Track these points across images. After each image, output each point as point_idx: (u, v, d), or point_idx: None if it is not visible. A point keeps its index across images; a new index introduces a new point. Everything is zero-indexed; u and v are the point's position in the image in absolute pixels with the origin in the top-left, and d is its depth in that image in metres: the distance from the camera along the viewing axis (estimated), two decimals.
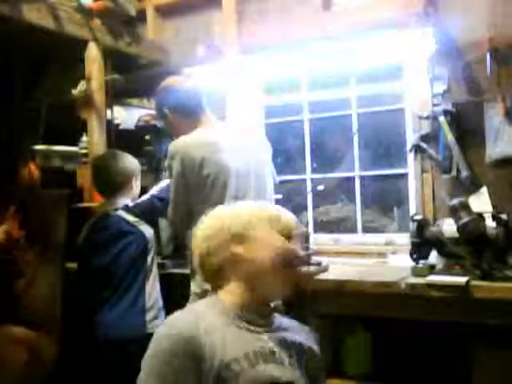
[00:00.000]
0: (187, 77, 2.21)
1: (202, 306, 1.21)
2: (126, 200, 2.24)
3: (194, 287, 1.94)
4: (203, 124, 2.07)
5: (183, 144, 1.96)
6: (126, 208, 2.20)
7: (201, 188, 1.91)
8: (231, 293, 1.23)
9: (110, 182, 2.26)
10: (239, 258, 1.22)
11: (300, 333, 1.30)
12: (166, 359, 1.05)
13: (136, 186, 2.32)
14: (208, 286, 1.87)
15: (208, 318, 1.13)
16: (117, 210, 2.20)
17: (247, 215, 1.27)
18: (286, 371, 1.15)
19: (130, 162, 2.31)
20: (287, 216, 1.30)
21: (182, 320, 1.13)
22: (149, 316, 2.11)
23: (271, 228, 1.25)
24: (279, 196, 2.16)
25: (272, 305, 1.30)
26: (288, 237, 1.25)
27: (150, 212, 2.24)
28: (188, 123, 2.06)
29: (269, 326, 1.23)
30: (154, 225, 2.33)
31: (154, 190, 2.30)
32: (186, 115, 2.09)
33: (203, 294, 1.89)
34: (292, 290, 1.28)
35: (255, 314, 1.21)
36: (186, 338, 1.06)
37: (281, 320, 1.31)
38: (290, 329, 1.29)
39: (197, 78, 2.23)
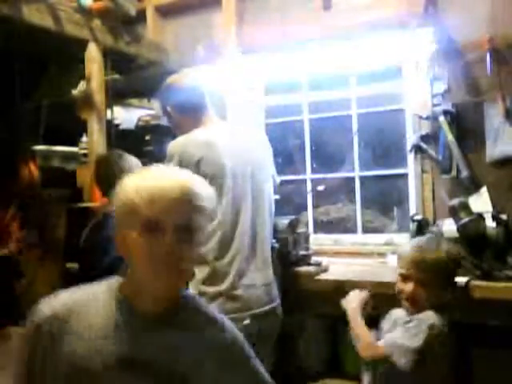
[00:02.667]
0: (191, 75, 2.20)
1: (100, 287, 1.10)
2: None
3: (192, 289, 1.94)
4: (205, 123, 2.07)
5: (181, 144, 1.96)
6: None
7: None
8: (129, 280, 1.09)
9: (112, 183, 2.26)
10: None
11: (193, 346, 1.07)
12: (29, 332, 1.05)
13: None
14: (205, 288, 1.89)
15: (92, 305, 1.06)
16: None
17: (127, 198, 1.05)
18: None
19: (132, 162, 2.31)
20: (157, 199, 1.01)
21: (61, 298, 1.08)
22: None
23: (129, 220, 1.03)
24: (277, 196, 2.16)
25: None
26: (154, 228, 1.00)
27: None
28: (190, 121, 2.06)
29: (154, 330, 1.05)
30: None
31: None
32: (189, 113, 2.09)
33: (200, 296, 1.89)
34: (170, 286, 1.04)
35: (140, 311, 1.05)
36: (50, 318, 1.03)
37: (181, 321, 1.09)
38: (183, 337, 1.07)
39: (200, 76, 2.22)
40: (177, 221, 1.01)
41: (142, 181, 1.05)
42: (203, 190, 1.08)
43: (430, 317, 1.61)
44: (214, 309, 1.23)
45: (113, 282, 1.10)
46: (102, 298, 1.07)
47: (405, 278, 1.67)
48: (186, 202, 1.02)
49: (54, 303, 1.07)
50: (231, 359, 1.11)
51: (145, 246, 1.00)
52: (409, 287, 1.65)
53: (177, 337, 1.06)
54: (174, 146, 1.98)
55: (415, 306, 1.65)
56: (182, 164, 1.91)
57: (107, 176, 2.28)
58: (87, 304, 1.06)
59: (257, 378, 1.16)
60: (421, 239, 1.84)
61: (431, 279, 1.63)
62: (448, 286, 1.71)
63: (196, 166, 1.89)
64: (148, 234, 1.00)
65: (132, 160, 2.31)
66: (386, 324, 1.77)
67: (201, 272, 1.90)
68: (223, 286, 1.87)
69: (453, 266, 1.74)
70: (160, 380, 1.02)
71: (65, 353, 1.01)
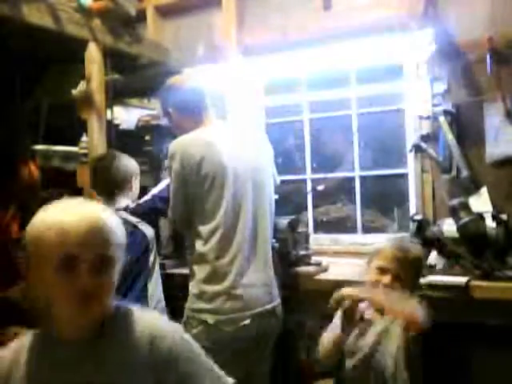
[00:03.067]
0: (191, 76, 2.21)
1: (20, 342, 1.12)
2: (126, 201, 2.24)
3: (192, 288, 1.94)
4: (205, 123, 2.07)
5: (183, 144, 1.96)
6: (127, 208, 2.20)
7: (199, 188, 1.91)
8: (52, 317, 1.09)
9: (108, 183, 2.26)
10: None
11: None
12: None
13: (135, 186, 2.32)
14: (205, 287, 1.90)
15: (24, 353, 1.08)
16: (118, 210, 2.20)
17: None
18: None
19: (128, 162, 2.31)
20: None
21: None
22: None
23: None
24: (276, 196, 2.16)
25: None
26: (68, 264, 1.01)
27: (151, 212, 2.24)
28: (191, 122, 2.07)
29: (86, 359, 1.05)
30: (155, 225, 2.33)
31: (155, 190, 2.30)
32: (189, 114, 2.09)
33: (201, 295, 1.89)
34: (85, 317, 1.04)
35: (69, 343, 1.07)
36: None
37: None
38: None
39: (200, 77, 2.23)
40: (90, 254, 1.02)
41: (52, 217, 1.04)
42: (113, 220, 1.09)
43: None
44: (152, 321, 1.16)
45: (31, 334, 1.12)
46: (28, 345, 1.09)
47: (383, 270, 1.79)
48: (97, 235, 1.03)
49: None
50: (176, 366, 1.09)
51: (61, 283, 1.01)
52: (386, 279, 1.77)
53: (111, 356, 1.06)
54: (175, 145, 1.98)
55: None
56: (183, 164, 1.91)
57: (105, 176, 2.28)
58: (18, 358, 1.08)
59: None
60: (399, 238, 2.03)
61: (408, 275, 1.79)
62: (418, 283, 1.89)
63: (197, 166, 1.90)
64: (63, 271, 1.01)
65: (126, 160, 2.31)
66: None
67: (201, 271, 1.91)
68: (224, 286, 1.88)
69: (422, 266, 1.95)
70: None
71: None
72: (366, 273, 1.88)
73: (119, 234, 1.09)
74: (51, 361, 1.06)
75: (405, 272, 1.78)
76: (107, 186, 2.27)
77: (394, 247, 1.84)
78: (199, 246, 1.92)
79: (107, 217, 1.08)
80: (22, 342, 1.11)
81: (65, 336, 1.07)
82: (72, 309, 1.02)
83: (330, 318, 2.18)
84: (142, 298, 2.12)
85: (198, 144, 1.94)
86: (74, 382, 1.04)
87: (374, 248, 1.93)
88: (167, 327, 1.13)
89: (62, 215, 1.03)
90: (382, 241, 2.78)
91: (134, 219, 2.18)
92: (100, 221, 1.05)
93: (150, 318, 1.15)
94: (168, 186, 2.17)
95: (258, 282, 1.93)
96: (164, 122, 2.69)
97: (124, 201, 2.24)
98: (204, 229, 1.91)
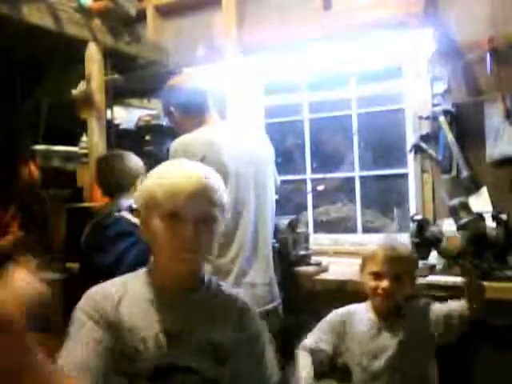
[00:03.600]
0: (193, 75, 2.21)
1: (131, 278, 1.23)
2: (129, 201, 2.24)
3: None
4: (207, 123, 2.07)
5: (184, 143, 1.96)
6: (130, 209, 2.20)
7: None
8: (154, 264, 1.22)
9: (116, 183, 2.26)
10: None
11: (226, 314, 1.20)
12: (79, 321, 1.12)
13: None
14: None
15: (130, 291, 1.17)
16: (120, 210, 2.20)
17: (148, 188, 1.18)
18: (184, 356, 1.12)
19: (135, 162, 2.30)
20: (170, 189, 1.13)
21: (101, 292, 1.17)
22: None
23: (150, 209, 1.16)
24: (276, 196, 2.16)
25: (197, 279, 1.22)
26: (175, 219, 1.12)
27: None
28: (193, 122, 2.07)
29: (187, 304, 1.18)
30: None
31: None
32: (192, 114, 2.09)
33: None
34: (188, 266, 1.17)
35: (169, 290, 1.18)
36: (97, 310, 1.12)
37: (211, 294, 1.23)
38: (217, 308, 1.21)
39: (202, 77, 2.23)
40: (195, 213, 1.13)
41: (162, 176, 1.16)
42: (217, 183, 1.19)
43: None
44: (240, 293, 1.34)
45: (140, 272, 1.23)
46: (135, 287, 1.19)
47: (379, 275, 1.74)
48: (202, 196, 1.14)
49: (104, 291, 1.18)
50: (255, 348, 1.23)
51: (167, 233, 1.13)
52: (384, 283, 1.72)
53: (208, 309, 1.19)
54: (176, 145, 1.98)
55: (390, 300, 1.75)
56: None
57: (108, 176, 2.28)
58: (125, 294, 1.17)
59: (264, 375, 1.24)
60: (386, 238, 1.97)
61: (405, 272, 1.75)
62: (416, 281, 1.85)
63: None
64: (169, 223, 1.12)
65: (133, 160, 2.30)
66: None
67: None
68: None
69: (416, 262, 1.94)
70: (203, 351, 1.13)
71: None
72: (361, 280, 1.83)
73: (221, 194, 1.19)
74: (148, 303, 1.16)
75: (401, 270, 1.75)
76: (113, 186, 2.27)
77: (384, 249, 1.78)
78: None
79: (212, 178, 1.18)
80: (128, 280, 1.21)
81: (168, 286, 1.18)
82: (173, 258, 1.14)
83: None
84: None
85: (199, 143, 1.93)
86: (172, 329, 1.13)
87: (364, 254, 1.86)
88: (254, 309, 1.28)
89: (173, 176, 1.15)
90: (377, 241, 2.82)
91: (135, 220, 2.17)
92: (205, 182, 1.15)
93: (239, 294, 1.30)
94: None
95: (259, 282, 1.93)
96: (165, 121, 2.69)
97: (127, 201, 2.23)
98: None
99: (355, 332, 1.79)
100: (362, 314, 1.82)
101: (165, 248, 1.14)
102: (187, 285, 1.20)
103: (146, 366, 1.09)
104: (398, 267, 1.74)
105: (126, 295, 1.16)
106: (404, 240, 1.99)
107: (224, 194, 1.21)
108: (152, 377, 1.08)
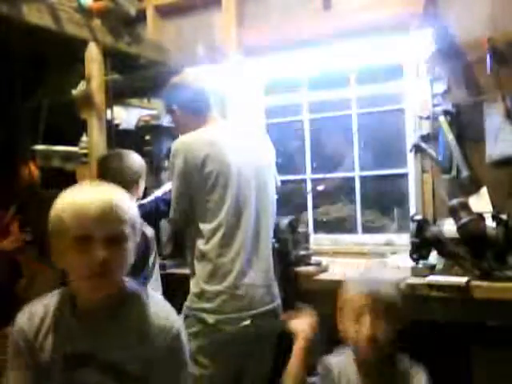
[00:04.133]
0: (195, 75, 2.20)
1: (53, 298, 1.26)
2: None
3: (193, 287, 1.94)
4: (209, 123, 2.06)
5: (186, 142, 1.95)
6: None
7: (202, 186, 1.90)
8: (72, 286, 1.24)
9: (117, 182, 2.25)
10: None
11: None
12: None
13: (142, 186, 2.31)
14: (206, 286, 1.89)
15: (50, 312, 1.22)
16: None
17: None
18: (90, 375, 1.16)
19: (137, 162, 2.30)
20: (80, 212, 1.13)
21: (26, 316, 1.24)
22: None
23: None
24: (276, 196, 2.16)
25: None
26: (84, 242, 1.13)
27: (153, 214, 2.23)
28: (195, 121, 2.06)
29: (101, 324, 1.19)
30: (156, 226, 2.32)
31: (159, 192, 2.29)
32: (194, 113, 2.08)
33: (201, 294, 1.89)
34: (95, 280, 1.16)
35: (87, 311, 1.20)
36: (20, 334, 1.21)
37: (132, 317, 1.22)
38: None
39: (204, 76, 2.22)
40: (103, 232, 1.13)
41: (69, 201, 1.17)
42: (127, 202, 1.21)
43: None
44: (165, 305, 1.30)
45: (62, 292, 1.26)
46: (55, 308, 1.23)
47: (358, 315, 1.46)
48: (110, 215, 1.14)
49: (29, 315, 1.24)
50: (171, 360, 1.22)
51: (78, 257, 1.13)
52: (365, 324, 1.43)
53: (122, 329, 1.19)
54: (179, 144, 1.97)
55: (375, 348, 1.45)
56: (186, 162, 1.90)
57: (110, 175, 2.28)
58: (46, 316, 1.22)
59: None
60: (365, 270, 1.79)
61: (388, 308, 1.46)
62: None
63: (201, 165, 1.89)
64: (80, 247, 1.13)
65: (136, 159, 2.30)
66: None
67: (202, 270, 1.90)
68: (225, 285, 1.87)
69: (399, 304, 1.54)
70: (108, 371, 1.16)
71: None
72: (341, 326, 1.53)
73: (131, 212, 1.20)
74: (68, 327, 1.19)
75: (384, 306, 1.46)
76: (114, 184, 2.26)
77: (362, 281, 1.52)
78: (200, 244, 1.91)
79: (118, 196, 1.19)
80: (52, 299, 1.24)
81: (85, 307, 1.20)
82: (88, 280, 1.14)
83: (329, 318, 2.18)
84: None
85: (201, 143, 1.93)
86: (81, 350, 1.17)
87: (343, 289, 1.55)
88: (178, 322, 1.26)
89: (79, 200, 1.15)
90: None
91: None
92: (111, 201, 1.16)
93: (165, 307, 1.28)
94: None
95: (259, 282, 1.93)
96: (165, 121, 2.69)
97: None
98: (206, 227, 1.91)
99: None
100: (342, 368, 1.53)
101: (78, 274, 1.16)
102: (104, 306, 1.20)
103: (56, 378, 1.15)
104: (381, 302, 1.46)
105: (47, 317, 1.21)
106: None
107: (136, 213, 1.22)
108: None
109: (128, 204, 1.19)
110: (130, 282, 1.28)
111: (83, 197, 1.15)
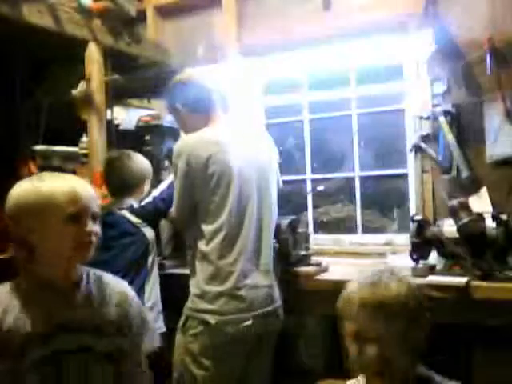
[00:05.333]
0: (200, 73, 2.18)
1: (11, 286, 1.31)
2: (132, 201, 2.24)
3: (193, 288, 1.93)
4: (213, 122, 2.04)
5: (189, 143, 1.94)
6: (131, 209, 2.20)
7: (205, 187, 1.90)
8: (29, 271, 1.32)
9: (123, 184, 2.26)
10: None
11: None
12: None
13: (146, 188, 2.31)
14: (207, 287, 1.89)
15: (14, 299, 1.27)
16: (121, 209, 2.20)
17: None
18: (69, 340, 1.26)
19: (144, 163, 2.30)
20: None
21: None
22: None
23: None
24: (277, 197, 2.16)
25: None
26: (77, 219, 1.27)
27: (154, 214, 2.23)
28: (199, 119, 2.04)
29: (67, 297, 1.31)
30: (156, 226, 2.32)
31: (156, 192, 2.29)
32: (198, 112, 2.06)
33: (202, 295, 1.89)
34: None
35: (51, 289, 1.29)
36: None
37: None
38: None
39: (209, 75, 2.19)
40: (90, 209, 1.30)
41: (51, 186, 1.28)
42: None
43: None
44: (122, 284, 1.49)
45: (15, 282, 1.32)
46: (13, 294, 1.28)
47: (359, 337, 1.14)
48: (92, 195, 1.33)
49: None
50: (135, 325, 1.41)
51: (70, 233, 1.26)
52: (371, 350, 1.12)
53: (89, 298, 1.34)
54: (181, 145, 1.96)
55: (385, 380, 1.13)
56: (189, 163, 1.89)
57: (116, 175, 2.28)
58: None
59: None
60: (368, 274, 1.32)
61: (399, 324, 1.15)
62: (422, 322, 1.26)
63: (204, 165, 1.88)
64: (73, 223, 1.26)
65: (142, 160, 2.31)
66: None
67: (203, 271, 1.90)
68: (226, 286, 1.87)
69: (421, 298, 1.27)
70: (85, 332, 1.28)
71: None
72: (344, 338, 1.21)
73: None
74: (39, 301, 1.27)
75: (393, 323, 1.13)
76: (121, 187, 2.27)
77: (363, 290, 1.19)
78: (202, 245, 1.91)
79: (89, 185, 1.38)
80: (6, 289, 1.30)
81: (52, 281, 1.30)
82: (73, 253, 1.28)
83: (329, 318, 2.18)
84: (139, 299, 2.11)
85: (205, 143, 1.92)
86: (56, 322, 1.25)
87: (341, 300, 1.25)
88: (133, 296, 1.47)
89: (56, 183, 1.28)
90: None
91: (135, 219, 2.18)
92: (87, 185, 1.35)
93: (120, 283, 1.47)
94: (168, 187, 2.16)
95: (260, 284, 1.93)
96: (165, 121, 2.69)
97: (131, 201, 2.24)
98: (207, 228, 1.90)
99: None
100: None
101: (64, 249, 1.27)
102: (67, 282, 1.32)
103: (33, 357, 1.21)
104: (387, 319, 1.13)
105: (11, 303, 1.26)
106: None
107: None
108: (40, 363, 1.22)
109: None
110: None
111: (58, 183, 1.29)
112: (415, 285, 1.27)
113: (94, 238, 1.30)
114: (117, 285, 1.44)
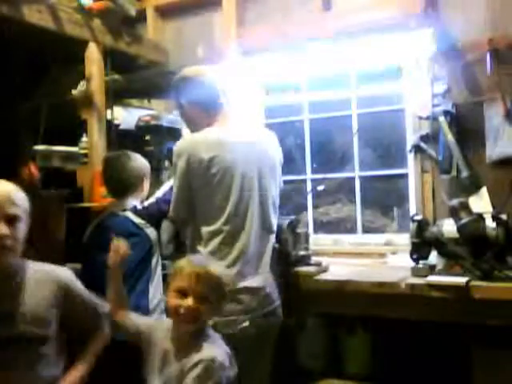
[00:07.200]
0: (207, 69, 2.14)
1: None
2: (135, 201, 2.24)
3: None
4: (219, 120, 2.01)
5: (191, 143, 1.93)
6: (134, 210, 2.20)
7: (206, 187, 1.89)
8: None
9: (122, 184, 2.26)
10: None
11: None
12: None
13: (146, 187, 2.31)
14: None
15: None
16: (124, 210, 2.19)
17: None
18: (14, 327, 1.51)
19: (142, 162, 2.30)
20: None
21: None
22: (151, 318, 2.10)
23: None
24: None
25: None
26: None
27: (156, 215, 2.23)
28: (204, 117, 2.02)
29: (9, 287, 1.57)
30: (158, 227, 2.33)
31: (159, 193, 2.29)
32: (204, 109, 2.03)
33: None
34: None
35: None
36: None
37: None
38: None
39: (216, 72, 2.16)
40: (4, 212, 1.46)
41: None
42: (18, 192, 1.57)
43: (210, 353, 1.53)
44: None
45: None
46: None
47: (184, 293, 1.55)
48: (7, 199, 1.49)
49: None
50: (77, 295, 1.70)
51: None
52: (188, 301, 1.53)
53: (29, 286, 1.55)
54: (182, 145, 1.95)
55: (194, 322, 1.55)
56: (190, 163, 1.88)
57: (115, 176, 2.28)
58: None
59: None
60: (198, 256, 1.80)
61: (214, 295, 1.56)
62: (222, 307, 1.65)
63: (206, 166, 1.87)
64: None
65: (140, 160, 2.30)
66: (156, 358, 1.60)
67: None
68: None
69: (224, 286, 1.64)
70: (28, 320, 1.51)
71: None
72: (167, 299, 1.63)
73: (22, 199, 1.56)
74: None
75: (210, 291, 1.55)
76: (120, 187, 2.27)
77: (193, 264, 1.59)
78: (201, 247, 1.90)
79: (12, 187, 1.55)
80: None
81: None
82: None
83: (330, 318, 2.19)
84: (143, 299, 2.11)
85: (207, 144, 1.90)
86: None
87: (176, 267, 1.64)
88: (63, 271, 1.71)
89: None
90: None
91: (138, 221, 2.18)
92: (8, 190, 1.52)
93: (50, 267, 1.67)
94: (171, 188, 2.16)
95: (258, 285, 1.92)
96: (165, 121, 2.68)
97: (133, 201, 2.23)
98: (207, 230, 1.90)
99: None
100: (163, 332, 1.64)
101: None
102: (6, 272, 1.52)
103: None
104: (206, 286, 1.55)
105: None
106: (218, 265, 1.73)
107: (23, 198, 1.57)
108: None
109: (21, 193, 1.56)
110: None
111: None
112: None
113: (8, 242, 1.43)
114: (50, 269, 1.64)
